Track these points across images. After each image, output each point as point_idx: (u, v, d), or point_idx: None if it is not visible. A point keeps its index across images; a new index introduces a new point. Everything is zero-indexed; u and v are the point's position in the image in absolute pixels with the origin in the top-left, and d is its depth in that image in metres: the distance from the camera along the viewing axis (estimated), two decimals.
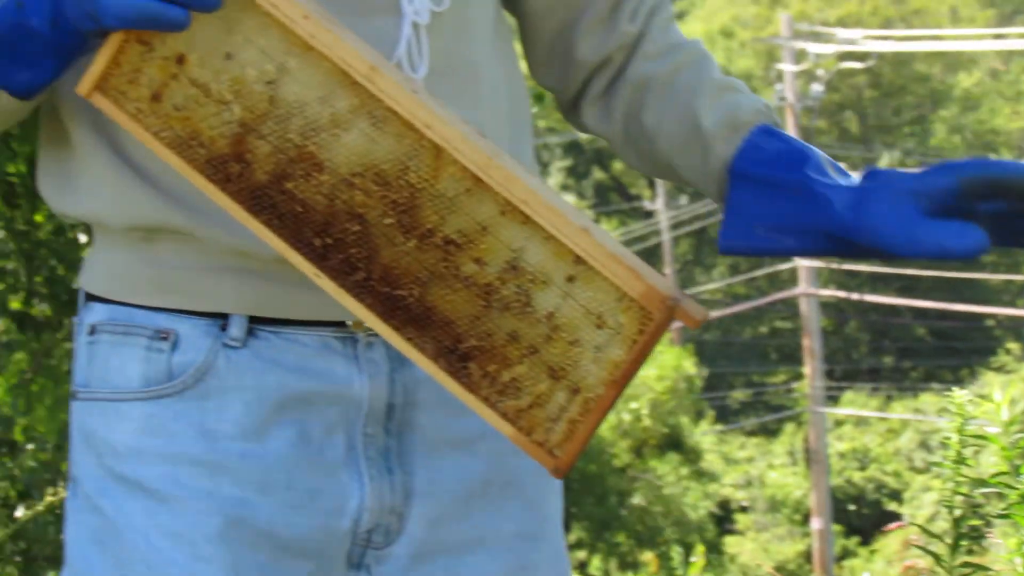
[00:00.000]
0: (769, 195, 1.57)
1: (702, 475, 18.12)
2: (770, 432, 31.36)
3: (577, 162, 35.86)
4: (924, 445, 27.45)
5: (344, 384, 1.56)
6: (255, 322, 1.55)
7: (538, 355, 1.39)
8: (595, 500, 15.55)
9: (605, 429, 16.51)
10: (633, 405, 17.15)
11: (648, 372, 17.39)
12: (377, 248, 1.38)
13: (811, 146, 1.59)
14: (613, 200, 34.37)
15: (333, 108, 1.37)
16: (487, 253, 1.38)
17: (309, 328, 1.56)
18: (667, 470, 17.39)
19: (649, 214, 33.58)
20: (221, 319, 1.55)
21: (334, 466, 1.56)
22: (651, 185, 34.79)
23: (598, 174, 37.93)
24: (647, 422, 17.02)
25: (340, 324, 1.56)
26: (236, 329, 1.55)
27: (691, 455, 17.92)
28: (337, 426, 1.57)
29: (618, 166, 39.41)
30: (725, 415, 31.85)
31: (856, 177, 1.56)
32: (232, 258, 1.53)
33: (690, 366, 17.99)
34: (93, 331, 1.60)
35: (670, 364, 17.70)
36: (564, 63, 1.75)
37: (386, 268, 1.39)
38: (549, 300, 1.38)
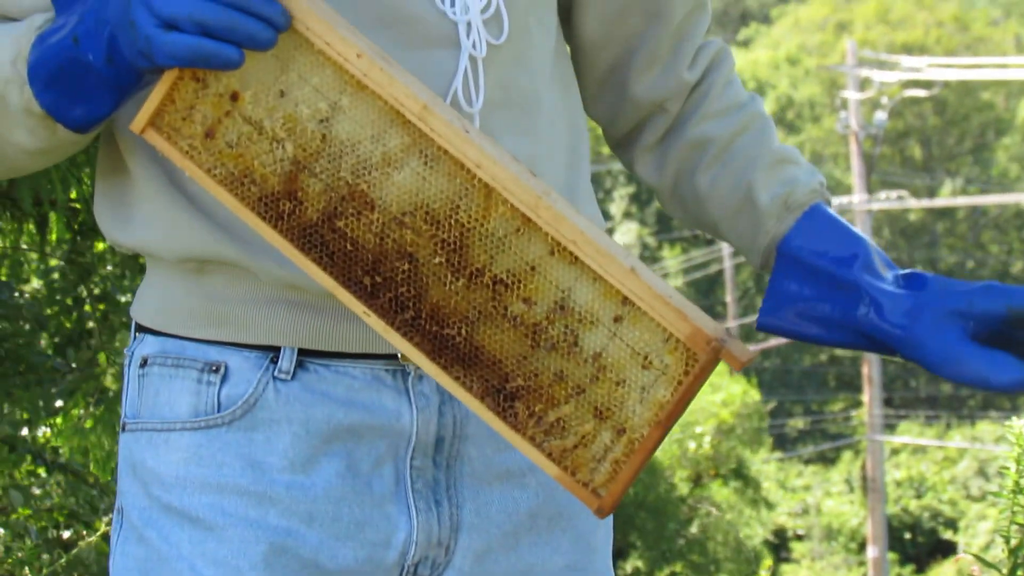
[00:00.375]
0: (813, 282, 1.59)
1: (759, 503, 18.06)
2: (827, 460, 31.22)
3: (640, 189, 35.76)
4: (981, 473, 27.27)
5: (393, 417, 1.56)
6: (305, 355, 1.55)
7: (584, 395, 1.39)
8: (654, 529, 15.53)
9: (665, 457, 16.50)
10: (698, 430, 17.14)
11: (713, 398, 17.39)
12: (426, 287, 1.39)
13: (860, 234, 1.60)
14: (675, 227, 34.28)
15: (385, 147, 1.38)
16: (535, 293, 1.38)
17: (359, 361, 1.56)
18: (726, 496, 17.35)
19: (711, 241, 33.48)
20: (272, 351, 1.55)
21: (382, 498, 1.56)
22: None
23: (657, 204, 37.75)
24: (708, 449, 16.99)
25: (390, 357, 1.56)
26: (286, 362, 1.55)
27: (751, 484, 17.87)
28: (386, 458, 1.57)
29: None
30: (783, 443, 31.73)
31: (899, 275, 1.58)
32: (283, 291, 1.53)
33: (756, 394, 17.97)
34: (145, 363, 1.60)
35: (737, 394, 17.68)
36: (616, 98, 1.75)
37: (435, 307, 1.39)
38: (596, 340, 1.38)
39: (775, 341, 28.37)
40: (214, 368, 1.55)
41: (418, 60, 1.51)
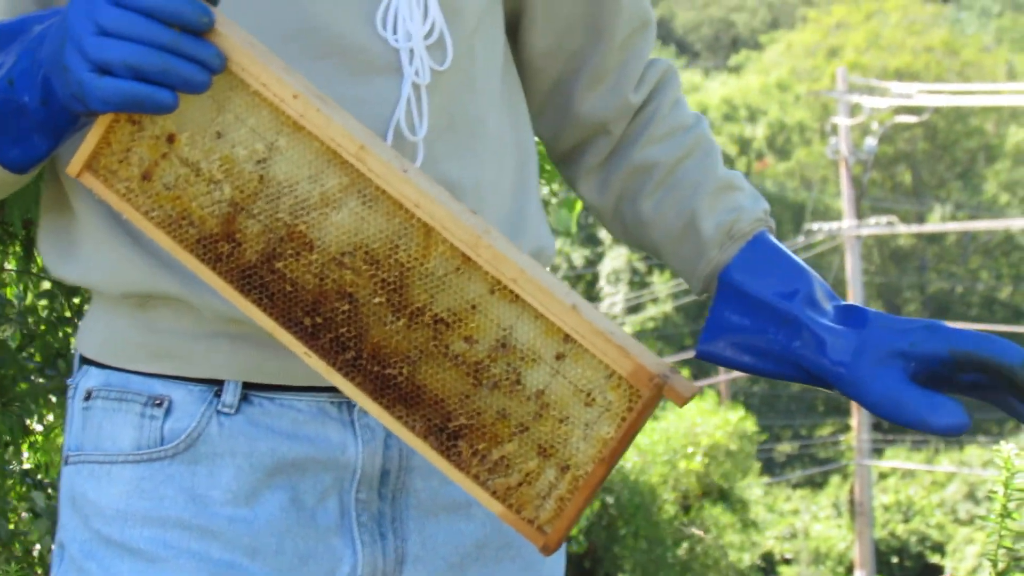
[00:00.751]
0: (753, 314, 1.58)
1: (748, 526, 18.04)
2: (815, 484, 31.24)
3: None
4: (969, 497, 27.30)
5: (338, 450, 1.55)
6: (250, 388, 1.54)
7: (528, 433, 1.38)
8: (646, 551, 15.53)
9: (655, 478, 16.50)
10: (689, 450, 17.13)
11: (706, 426, 17.41)
12: (367, 327, 1.38)
13: (804, 266, 1.59)
14: None
15: (323, 187, 1.37)
16: (477, 331, 1.37)
17: (304, 393, 1.54)
18: (721, 515, 17.36)
19: None
20: (216, 385, 1.54)
21: (326, 531, 1.55)
22: None
23: None
24: (698, 466, 16.98)
25: (335, 390, 1.54)
26: (230, 395, 1.53)
27: (738, 506, 17.86)
28: (330, 491, 1.55)
29: None
30: (771, 467, 31.74)
31: (840, 307, 1.56)
32: (226, 325, 1.52)
33: (752, 425, 17.98)
34: (89, 396, 1.58)
35: (732, 421, 17.69)
36: (560, 116, 1.74)
37: (376, 347, 1.38)
38: (539, 378, 1.37)
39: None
40: (157, 402, 1.54)
41: (361, 89, 1.50)
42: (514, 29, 1.72)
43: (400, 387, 1.38)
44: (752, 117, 38.81)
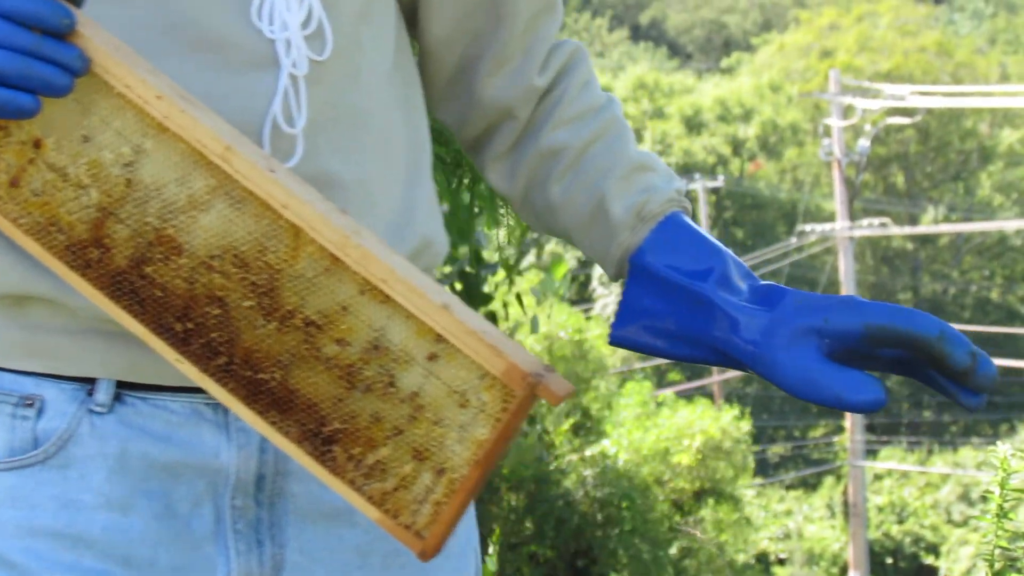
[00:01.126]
0: (667, 296, 1.54)
1: (743, 524, 18.07)
2: (809, 485, 31.26)
3: None
4: (963, 498, 27.34)
5: (211, 455, 1.50)
6: (124, 387, 1.49)
7: (402, 436, 1.34)
8: (637, 551, 15.52)
9: (648, 477, 16.50)
10: (685, 443, 17.14)
11: (703, 420, 17.41)
12: (238, 331, 1.34)
13: (718, 246, 1.55)
14: None
15: (190, 189, 1.33)
16: (349, 333, 1.34)
17: (179, 394, 1.49)
18: (712, 517, 17.36)
19: None
20: (89, 384, 1.49)
21: (202, 540, 1.50)
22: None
23: None
24: (692, 460, 16.98)
25: None
26: (102, 394, 1.48)
27: (732, 504, 17.88)
28: (205, 498, 1.50)
29: None
30: (765, 468, 31.76)
31: (758, 287, 1.52)
32: (101, 323, 1.47)
33: (746, 424, 18.02)
34: None
35: (723, 419, 17.71)
36: (464, 102, 1.70)
37: (248, 352, 1.34)
38: (412, 380, 1.33)
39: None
40: (28, 402, 1.49)
41: (237, 83, 1.45)
42: (412, 16, 1.69)
43: (273, 392, 1.35)
44: (747, 117, 38.85)
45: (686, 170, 36.17)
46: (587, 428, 15.94)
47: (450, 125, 1.73)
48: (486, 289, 6.80)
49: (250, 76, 1.46)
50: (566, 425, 15.25)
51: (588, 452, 15.32)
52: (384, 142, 1.57)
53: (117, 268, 1.35)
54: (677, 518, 16.77)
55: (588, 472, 15.22)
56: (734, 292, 1.51)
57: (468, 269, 6.67)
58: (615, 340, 1.56)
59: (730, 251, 1.56)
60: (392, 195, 1.56)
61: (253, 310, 1.34)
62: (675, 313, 1.53)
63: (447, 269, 7.03)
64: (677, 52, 52.26)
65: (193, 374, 1.36)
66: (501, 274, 7.09)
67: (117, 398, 1.49)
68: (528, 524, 13.97)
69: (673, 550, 16.27)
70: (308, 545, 1.54)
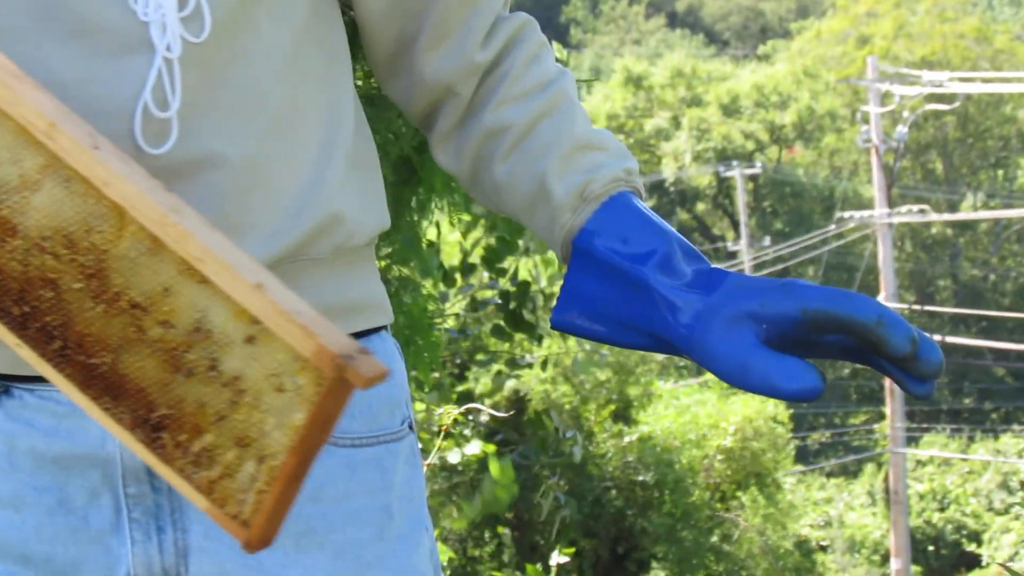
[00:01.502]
0: (607, 280, 1.48)
1: (783, 511, 18.06)
2: (850, 473, 31.22)
3: (660, 202, 35.80)
4: (1004, 486, 27.26)
5: (98, 444, 1.45)
6: (10, 380, 1.46)
7: (225, 422, 1.27)
8: (677, 536, 15.52)
9: (685, 463, 16.49)
10: (722, 424, 17.17)
11: (746, 411, 17.42)
12: (71, 315, 1.28)
13: (664, 227, 1.50)
14: (696, 241, 34.30)
15: (22, 168, 1.28)
16: (173, 316, 1.27)
17: None
18: (752, 504, 17.36)
19: (733, 255, 33.48)
20: None
21: (100, 533, 1.46)
22: (734, 227, 34.64)
23: (681, 214, 37.82)
24: (732, 445, 16.99)
25: None
26: None
27: (772, 490, 17.88)
28: (101, 489, 1.46)
29: (701, 206, 39.24)
30: (805, 456, 31.73)
31: (701, 271, 1.47)
32: None
33: (782, 412, 18.00)
34: None
35: (768, 413, 17.71)
36: (406, 79, 1.63)
37: (80, 336, 1.28)
38: (234, 364, 1.26)
39: None
40: None
41: (110, 68, 1.40)
42: None
43: (105, 377, 1.28)
44: (784, 104, 38.72)
45: (724, 157, 36.34)
46: (626, 417, 15.97)
47: (398, 102, 1.67)
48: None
49: (123, 60, 1.40)
50: (606, 412, 15.29)
51: (627, 439, 15.36)
52: (284, 120, 1.49)
53: None
54: (718, 505, 16.77)
55: (628, 458, 15.26)
56: (675, 275, 1.46)
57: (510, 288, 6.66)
58: (556, 325, 1.52)
59: (677, 233, 1.50)
60: (292, 172, 1.50)
61: (83, 293, 1.28)
62: (615, 298, 1.48)
63: (488, 293, 7.16)
64: (714, 39, 52.08)
65: (32, 359, 1.29)
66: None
67: (5, 391, 1.47)
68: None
69: (714, 537, 16.27)
70: (214, 528, 1.47)
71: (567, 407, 14.55)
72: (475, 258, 7.17)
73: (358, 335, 1.54)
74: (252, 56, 1.47)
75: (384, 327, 1.60)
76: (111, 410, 1.28)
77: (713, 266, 1.47)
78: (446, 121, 1.62)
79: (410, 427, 1.61)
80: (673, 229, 1.50)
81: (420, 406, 6.46)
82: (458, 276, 7.00)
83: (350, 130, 1.58)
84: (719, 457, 17.20)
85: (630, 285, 1.46)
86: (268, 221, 1.45)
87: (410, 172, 3.79)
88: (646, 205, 1.54)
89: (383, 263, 3.94)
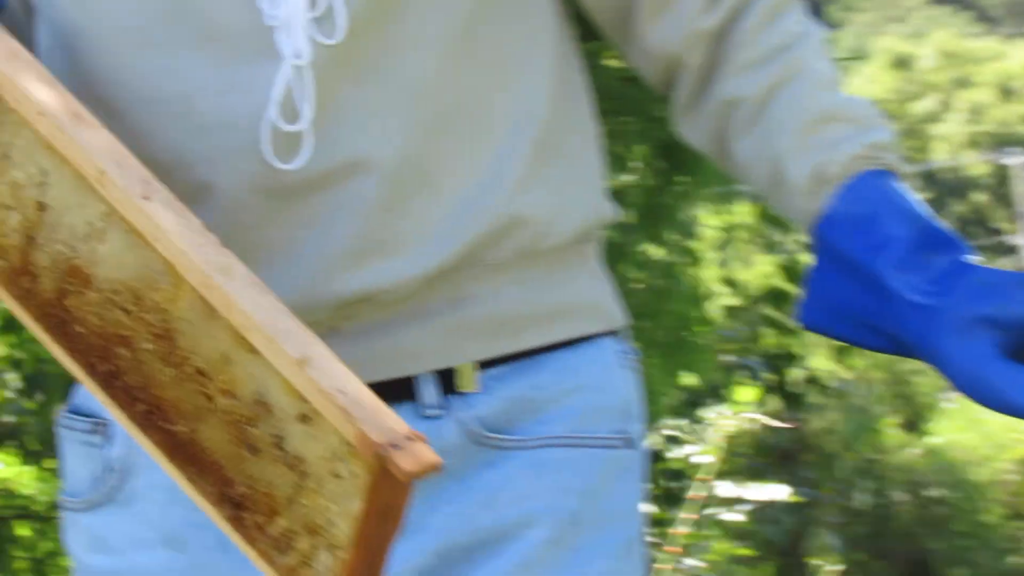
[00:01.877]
0: (845, 274, 1.33)
1: None
2: None
3: (935, 194, 35.29)
4: None
5: None
6: None
7: (295, 507, 1.18)
8: (974, 561, 15.18)
9: (982, 479, 16.04)
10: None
11: None
12: (149, 377, 1.22)
13: (911, 212, 1.33)
14: (974, 234, 33.58)
15: (88, 216, 1.22)
16: (234, 385, 1.18)
17: None
18: None
19: (1011, 249, 32.72)
20: None
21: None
22: (1013, 219, 33.99)
23: (957, 206, 37.32)
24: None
25: None
26: None
27: None
28: None
29: (978, 197, 38.63)
30: None
31: (950, 260, 1.30)
32: None
33: None
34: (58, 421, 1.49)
35: None
36: (636, 54, 1.51)
37: (159, 400, 1.22)
38: (294, 443, 1.17)
39: None
40: (100, 425, 1.42)
41: (239, 78, 1.33)
42: None
43: (186, 447, 1.22)
44: None
45: (999, 143, 35.51)
46: (915, 424, 15.56)
47: (647, 81, 1.56)
48: None
49: (250, 68, 1.34)
50: (894, 419, 14.94)
51: (915, 450, 14.94)
52: (449, 115, 1.40)
53: (45, 299, 1.26)
54: (1017, 525, 16.27)
55: (918, 471, 14.89)
56: (915, 270, 1.30)
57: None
58: (806, 324, 1.38)
59: (929, 219, 1.33)
60: (460, 172, 1.40)
61: (154, 354, 1.22)
62: (855, 294, 1.34)
63: None
64: (984, 17, 51.55)
65: (122, 421, 1.24)
66: None
67: None
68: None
69: (1010, 557, 15.83)
70: None
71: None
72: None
73: (561, 345, 1.46)
74: (406, 48, 1.38)
75: (606, 333, 1.50)
76: (196, 482, 1.23)
77: (962, 258, 1.30)
78: (682, 95, 1.49)
79: (626, 443, 1.49)
80: (925, 214, 1.34)
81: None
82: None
83: (543, 119, 1.46)
84: (1013, 471, 16.68)
85: (866, 280, 1.32)
86: (429, 228, 1.37)
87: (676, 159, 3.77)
88: (901, 185, 1.38)
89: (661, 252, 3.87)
